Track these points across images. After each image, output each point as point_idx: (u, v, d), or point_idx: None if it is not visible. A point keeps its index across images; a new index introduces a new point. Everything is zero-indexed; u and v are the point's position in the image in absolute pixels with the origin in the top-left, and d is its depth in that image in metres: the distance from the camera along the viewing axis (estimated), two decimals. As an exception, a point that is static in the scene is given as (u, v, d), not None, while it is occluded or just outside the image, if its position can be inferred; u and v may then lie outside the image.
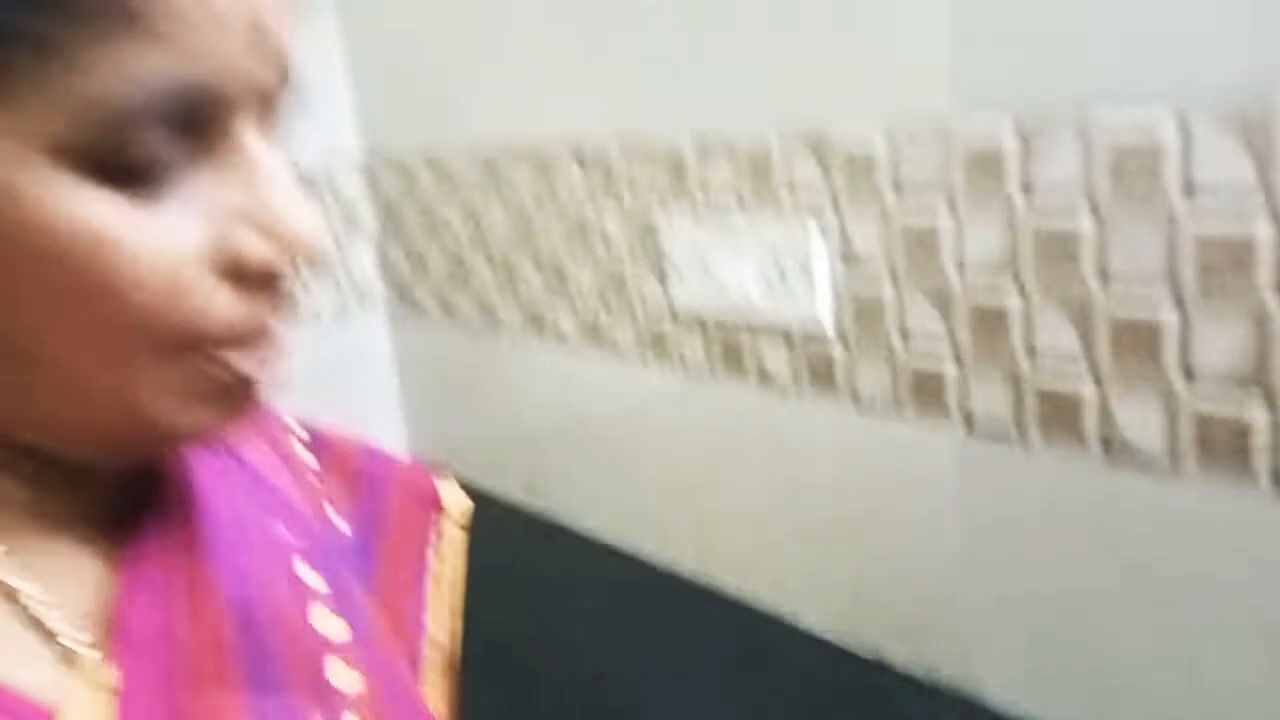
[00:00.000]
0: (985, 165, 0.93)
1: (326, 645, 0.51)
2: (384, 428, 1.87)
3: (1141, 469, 0.87)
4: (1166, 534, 0.87)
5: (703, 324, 1.25)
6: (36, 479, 0.43)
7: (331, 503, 0.62)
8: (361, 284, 1.84)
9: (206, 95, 0.38)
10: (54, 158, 0.36)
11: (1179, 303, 0.83)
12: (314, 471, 0.62)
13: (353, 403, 1.82)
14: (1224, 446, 0.82)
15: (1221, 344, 0.81)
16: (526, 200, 1.47)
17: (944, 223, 0.97)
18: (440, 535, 0.66)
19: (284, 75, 0.42)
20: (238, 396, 0.43)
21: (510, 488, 1.68)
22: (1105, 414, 0.89)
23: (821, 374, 1.12)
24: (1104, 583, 0.93)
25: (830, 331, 1.10)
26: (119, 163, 0.37)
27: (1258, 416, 0.80)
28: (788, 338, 1.15)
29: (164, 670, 0.43)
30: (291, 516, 0.56)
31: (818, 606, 1.22)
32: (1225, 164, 0.78)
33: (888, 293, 1.03)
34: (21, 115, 0.35)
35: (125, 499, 0.47)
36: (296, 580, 0.52)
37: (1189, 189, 0.81)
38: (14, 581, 0.41)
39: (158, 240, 0.38)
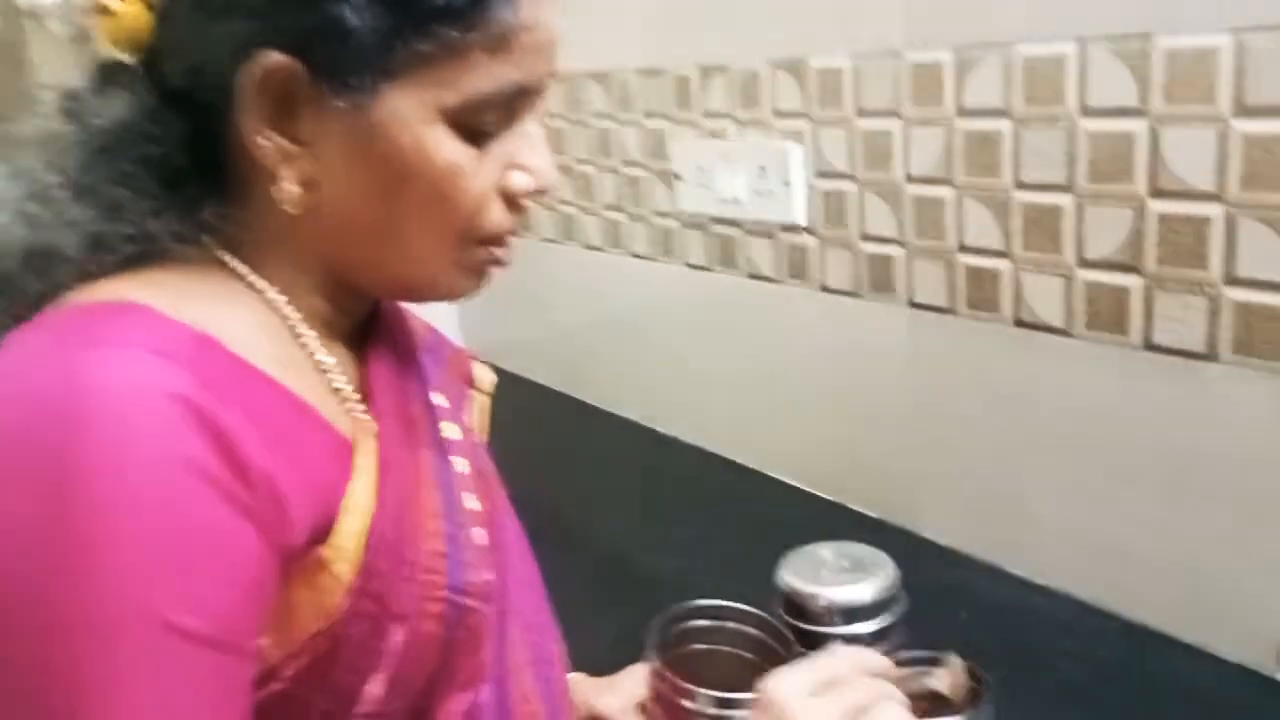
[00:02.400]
0: (928, 89, 1.06)
1: (452, 443, 0.69)
2: (443, 328, 2.02)
3: (1044, 331, 1.02)
4: (1065, 384, 1.02)
5: (703, 226, 1.39)
6: (336, 305, 0.62)
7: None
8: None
9: (524, 91, 0.57)
10: (442, 117, 0.55)
11: (1076, 196, 0.96)
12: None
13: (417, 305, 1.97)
14: (1106, 313, 0.96)
15: (1107, 229, 0.94)
16: (558, 120, 1.61)
17: (896, 136, 1.10)
18: (471, 402, 0.82)
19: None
20: (485, 272, 0.63)
21: (548, 375, 1.84)
22: (1017, 287, 1.03)
23: (798, 264, 1.26)
24: (1019, 428, 1.07)
25: (805, 228, 1.24)
26: (473, 126, 0.56)
27: (1133, 286, 0.94)
28: (771, 235, 1.29)
29: (398, 427, 0.62)
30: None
31: (794, 463, 1.37)
32: (1114, 85, 0.91)
33: (851, 195, 1.17)
34: (433, 89, 0.54)
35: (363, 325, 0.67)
36: (429, 403, 0.69)
37: (1085, 105, 0.93)
38: (323, 358, 0.60)
39: (480, 174, 0.57)
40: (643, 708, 0.78)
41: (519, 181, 0.59)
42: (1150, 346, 0.94)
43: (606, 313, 1.65)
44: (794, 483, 1.37)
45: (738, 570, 1.19)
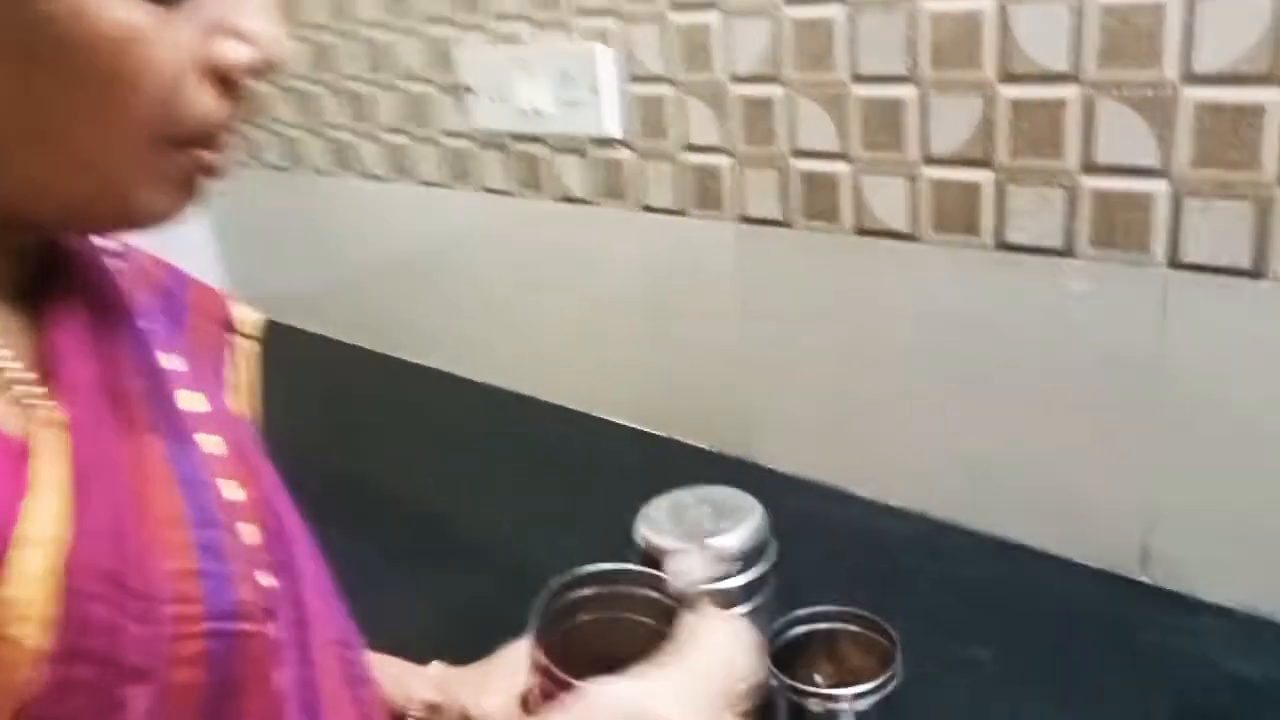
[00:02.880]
0: (752, -29, 0.95)
1: (195, 417, 0.51)
2: (199, 273, 1.78)
3: (889, 237, 0.94)
4: (912, 292, 0.95)
5: (502, 145, 1.24)
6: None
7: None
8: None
9: None
10: None
11: (919, 87, 0.88)
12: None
13: (168, 253, 1.72)
14: (955, 212, 0.89)
15: (954, 121, 0.87)
16: (324, 33, 1.40)
17: (716, 30, 0.99)
18: (233, 351, 0.65)
19: None
20: (193, 186, 0.46)
21: (333, 327, 1.64)
22: (857, 192, 0.94)
23: (613, 182, 1.14)
24: (863, 343, 1.00)
25: (619, 141, 1.11)
26: None
27: (984, 181, 0.87)
28: (581, 151, 1.16)
29: (103, 411, 0.44)
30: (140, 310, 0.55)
31: (621, 400, 1.26)
32: (954, -41, 0.83)
33: (669, 100, 1.05)
34: None
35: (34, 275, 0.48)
36: (156, 369, 0.51)
37: (925, -17, 0.85)
38: None
39: (169, 43, 0.41)
40: (525, 701, 0.65)
41: (230, 52, 0.43)
42: (1003, 246, 0.87)
43: (395, 251, 1.47)
44: (622, 421, 1.26)
45: (577, 524, 1.07)
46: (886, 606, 0.90)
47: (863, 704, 0.58)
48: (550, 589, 0.62)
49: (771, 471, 1.12)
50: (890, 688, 0.58)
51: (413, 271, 1.46)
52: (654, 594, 0.64)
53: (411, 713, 0.66)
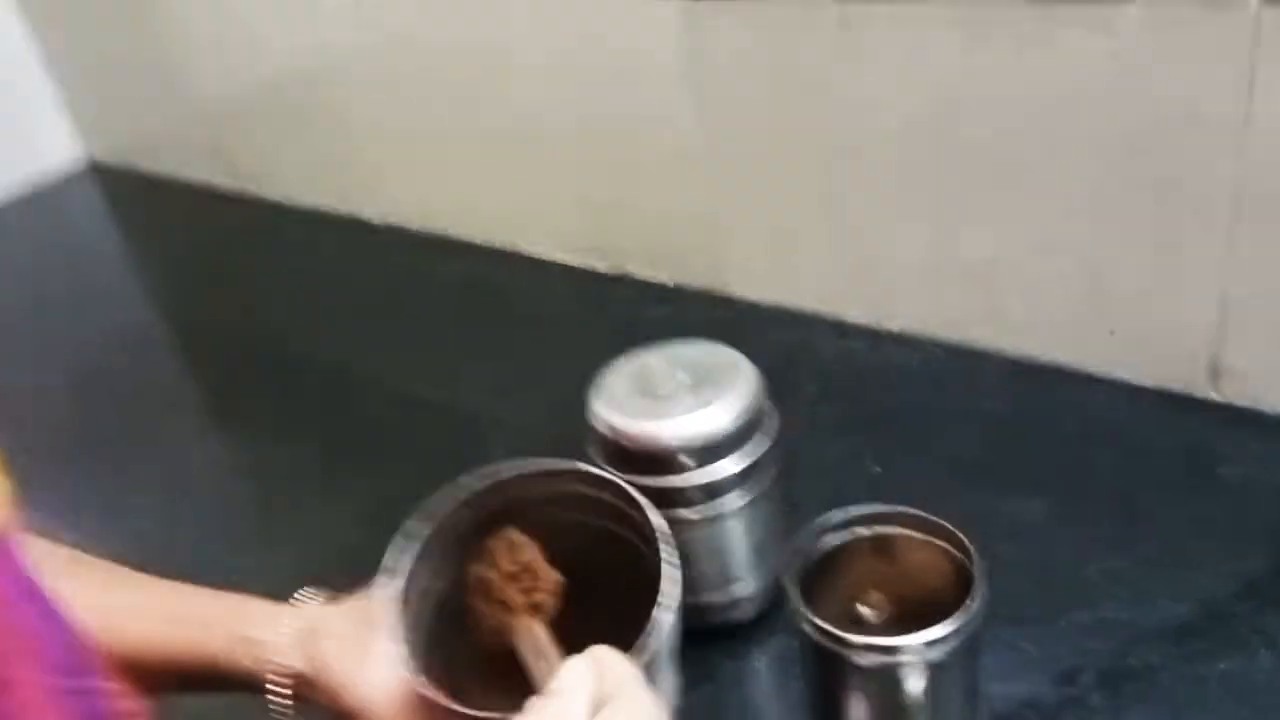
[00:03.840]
0: None
1: None
2: (45, 126, 1.53)
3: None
4: (909, 67, 0.75)
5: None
6: None
7: None
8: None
9: None
10: None
11: None
12: None
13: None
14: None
15: None
16: None
17: None
18: None
19: None
20: None
21: (201, 169, 1.41)
22: (840, -63, 0.73)
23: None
24: (844, 140, 0.81)
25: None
26: None
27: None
28: (474, -84, 0.92)
29: None
30: None
31: (555, 233, 1.08)
32: None
33: None
34: None
35: None
36: None
37: None
38: None
39: None
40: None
41: None
42: (1031, -9, 0.68)
43: (269, 73, 1.25)
44: (556, 257, 1.08)
45: (515, 393, 0.91)
46: (905, 459, 0.75)
47: (937, 652, 0.42)
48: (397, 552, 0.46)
49: (745, 302, 0.95)
50: (974, 627, 0.42)
51: (290, 97, 1.23)
52: (594, 492, 0.49)
53: (269, 680, 0.48)
